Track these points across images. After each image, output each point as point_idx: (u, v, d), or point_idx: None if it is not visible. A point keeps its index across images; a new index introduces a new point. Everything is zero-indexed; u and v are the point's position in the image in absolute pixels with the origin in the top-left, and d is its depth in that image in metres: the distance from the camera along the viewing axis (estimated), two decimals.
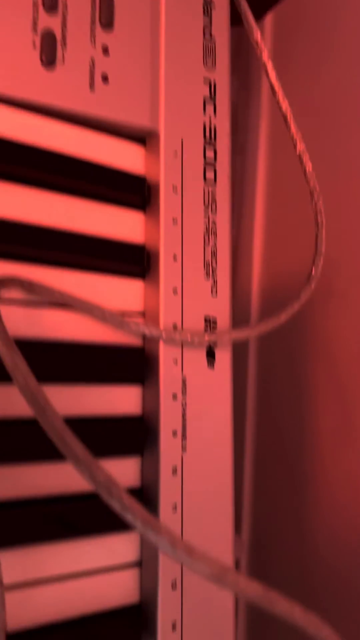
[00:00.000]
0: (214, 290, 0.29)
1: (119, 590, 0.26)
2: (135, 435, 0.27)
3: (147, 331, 0.26)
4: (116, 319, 0.26)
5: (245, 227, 0.84)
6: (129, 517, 0.16)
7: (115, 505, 0.17)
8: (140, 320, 0.28)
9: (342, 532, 0.56)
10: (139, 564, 0.26)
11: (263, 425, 0.76)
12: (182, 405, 0.27)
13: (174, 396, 0.27)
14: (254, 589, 0.17)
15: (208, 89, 0.30)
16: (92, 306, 0.26)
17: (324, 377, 0.60)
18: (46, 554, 0.24)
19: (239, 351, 0.82)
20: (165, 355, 0.27)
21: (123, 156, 0.28)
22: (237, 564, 0.78)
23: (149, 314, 0.28)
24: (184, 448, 0.27)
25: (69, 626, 0.24)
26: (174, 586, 0.25)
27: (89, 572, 0.25)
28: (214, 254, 0.29)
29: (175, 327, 0.27)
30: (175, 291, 0.27)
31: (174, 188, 0.28)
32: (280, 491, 0.74)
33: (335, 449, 0.58)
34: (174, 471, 0.26)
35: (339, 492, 0.59)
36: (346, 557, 0.55)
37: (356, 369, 0.55)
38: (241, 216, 0.85)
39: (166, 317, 0.27)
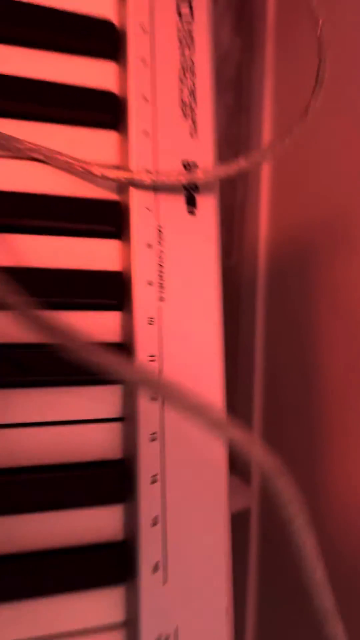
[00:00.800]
0: (194, 131, 0.26)
1: (101, 443, 0.25)
2: (112, 289, 0.26)
3: (111, 175, 0.25)
4: (81, 165, 0.25)
5: (252, 187, 0.79)
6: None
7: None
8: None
9: (357, 473, 0.52)
10: (121, 419, 0.25)
11: (271, 369, 0.72)
12: (158, 254, 0.25)
13: (149, 245, 0.25)
14: (235, 432, 0.15)
15: None
16: (51, 151, 0.25)
17: (332, 325, 0.59)
18: (26, 401, 0.24)
19: (247, 302, 0.78)
20: (137, 202, 0.25)
21: (90, 2, 0.27)
22: (248, 514, 0.73)
23: (123, 165, 0.26)
24: (161, 298, 0.25)
25: (53, 469, 0.24)
26: (153, 439, 0.24)
27: (70, 422, 0.25)
28: (192, 93, 0.26)
29: (148, 171, 0.25)
30: (146, 133, 0.25)
31: (142, 27, 0.26)
32: (291, 438, 0.69)
33: (344, 391, 0.55)
34: (151, 322, 0.24)
35: (351, 433, 0.56)
36: None
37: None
38: (247, 179, 0.79)
39: (138, 161, 0.25)
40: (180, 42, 0.27)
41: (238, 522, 0.76)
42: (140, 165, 0.25)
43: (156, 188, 0.25)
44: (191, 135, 0.26)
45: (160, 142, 0.26)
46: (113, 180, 0.25)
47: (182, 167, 0.26)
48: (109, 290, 0.25)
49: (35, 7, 0.26)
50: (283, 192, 0.75)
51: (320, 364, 0.63)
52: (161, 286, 0.25)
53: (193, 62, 0.27)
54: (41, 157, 0.25)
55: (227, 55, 0.78)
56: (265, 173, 0.77)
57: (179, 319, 0.25)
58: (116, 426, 0.25)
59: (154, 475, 0.24)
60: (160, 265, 0.25)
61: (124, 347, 0.25)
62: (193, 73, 0.26)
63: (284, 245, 0.73)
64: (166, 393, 0.17)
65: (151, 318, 0.25)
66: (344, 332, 0.57)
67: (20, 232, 0.25)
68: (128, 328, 0.25)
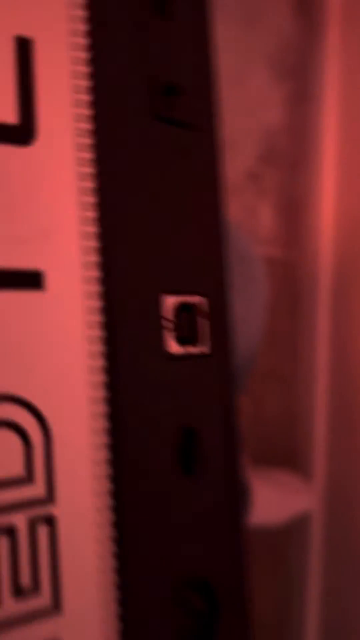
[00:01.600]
0: None
1: None
2: None
3: None
4: None
5: (314, 177, 0.75)
6: None
7: None
8: None
9: None
10: None
11: (339, 366, 0.69)
12: None
13: None
14: None
15: None
16: None
17: None
18: None
19: (308, 295, 0.75)
20: None
21: None
22: (308, 518, 0.68)
23: None
24: None
25: None
26: None
27: None
28: None
29: None
30: None
31: None
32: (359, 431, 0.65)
33: None
34: None
35: None
36: None
37: None
38: (309, 168, 0.75)
39: None
40: None
41: (297, 528, 0.73)
42: None
43: None
44: None
45: None
46: None
47: None
48: None
49: None
50: (351, 179, 0.72)
51: None
52: None
53: None
54: None
55: (288, 43, 0.76)
56: (329, 162, 0.74)
57: None
58: None
59: None
60: None
61: None
62: None
63: (354, 236, 0.70)
64: None
65: None
66: None
67: None
68: None
